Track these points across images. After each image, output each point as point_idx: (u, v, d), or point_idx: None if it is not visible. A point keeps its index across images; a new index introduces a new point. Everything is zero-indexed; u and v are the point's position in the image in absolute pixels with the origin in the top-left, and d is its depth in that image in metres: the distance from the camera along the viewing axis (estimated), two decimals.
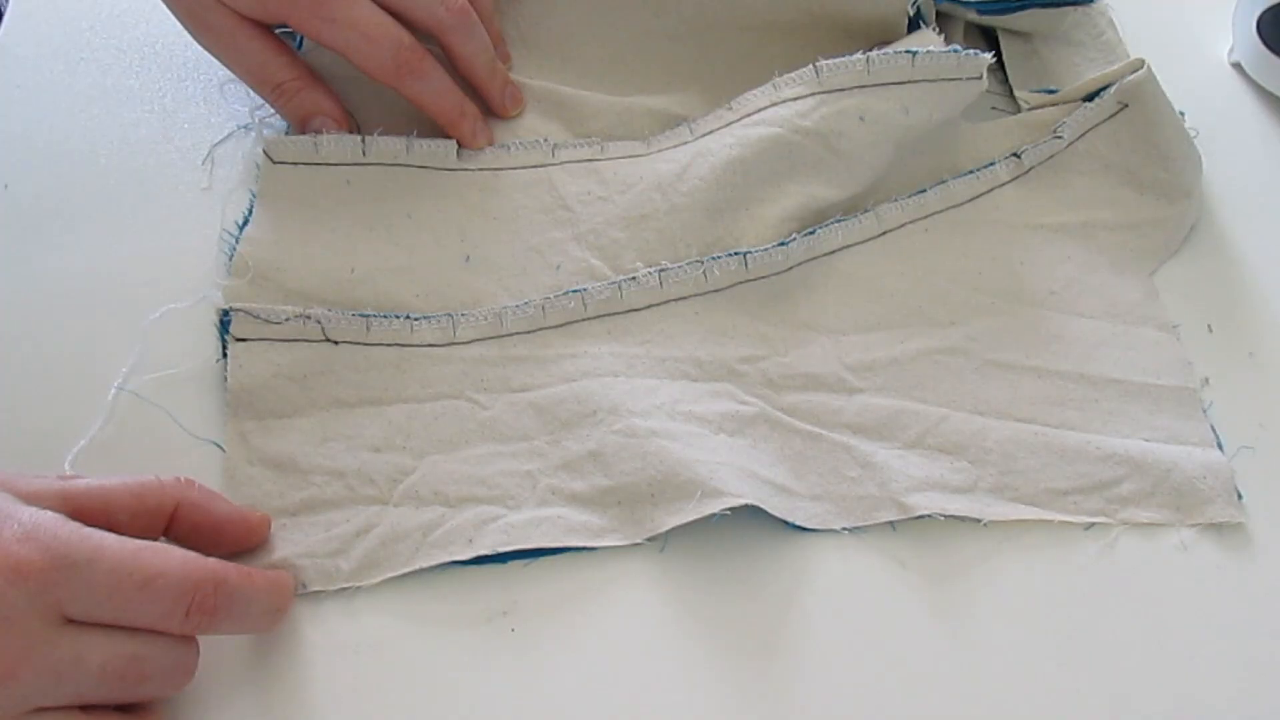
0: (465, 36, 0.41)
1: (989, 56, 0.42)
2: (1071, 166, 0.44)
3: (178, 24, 0.40)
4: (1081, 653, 0.35)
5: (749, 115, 0.41)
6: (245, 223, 0.40)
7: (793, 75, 0.41)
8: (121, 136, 0.43)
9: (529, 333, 0.38)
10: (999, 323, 0.41)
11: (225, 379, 0.36)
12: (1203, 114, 0.46)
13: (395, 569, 0.34)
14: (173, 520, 0.32)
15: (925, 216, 0.43)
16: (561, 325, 0.39)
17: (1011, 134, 0.45)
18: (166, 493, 0.32)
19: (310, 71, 0.41)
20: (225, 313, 0.37)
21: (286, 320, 0.37)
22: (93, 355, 0.37)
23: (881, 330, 0.40)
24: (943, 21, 0.47)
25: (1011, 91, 0.47)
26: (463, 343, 0.38)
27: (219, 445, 0.36)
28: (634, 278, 0.39)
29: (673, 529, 0.34)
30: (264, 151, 0.40)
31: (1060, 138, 0.44)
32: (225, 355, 0.37)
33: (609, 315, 0.39)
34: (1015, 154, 0.44)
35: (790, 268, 0.40)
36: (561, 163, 0.42)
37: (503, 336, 0.38)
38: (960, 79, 0.41)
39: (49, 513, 0.28)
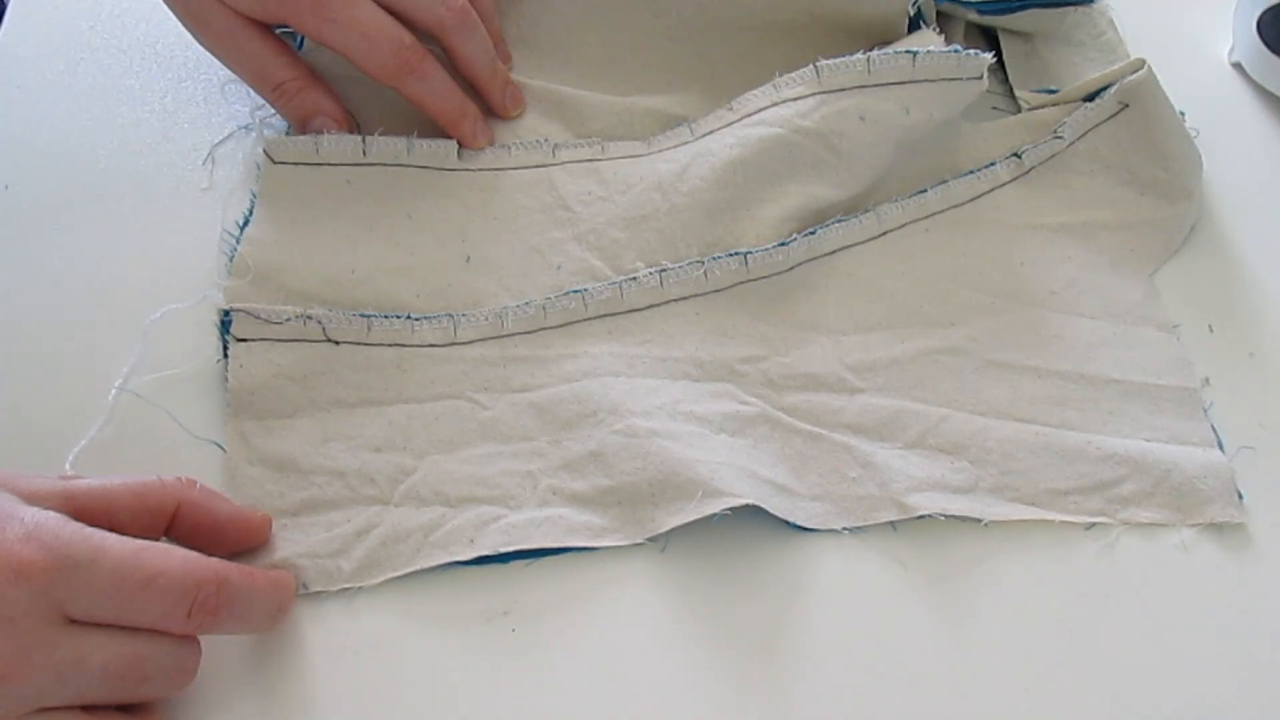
0: (466, 36, 0.41)
1: (989, 56, 0.42)
2: (1072, 167, 0.44)
3: (178, 24, 0.40)
4: (1082, 653, 0.35)
5: (749, 115, 0.41)
6: (246, 223, 0.40)
7: (793, 75, 0.41)
8: (121, 136, 0.43)
9: (530, 333, 0.38)
10: (999, 323, 0.41)
11: (226, 379, 0.36)
12: (1203, 114, 0.46)
13: (396, 569, 0.34)
14: (174, 520, 0.32)
15: (926, 216, 0.43)
16: (562, 325, 0.39)
17: (1012, 134, 0.45)
18: (168, 492, 0.32)
19: (311, 71, 0.41)
20: (226, 313, 0.37)
21: (287, 320, 0.37)
22: (93, 355, 0.37)
23: (882, 330, 0.40)
24: (943, 21, 0.47)
25: (1012, 91, 0.47)
26: (463, 343, 0.38)
27: (220, 445, 0.36)
28: (634, 278, 0.39)
29: (673, 529, 0.34)
30: (264, 152, 0.40)
31: (1061, 138, 0.44)
32: (226, 355, 0.37)
33: (610, 315, 0.39)
34: (1016, 154, 0.44)
35: (791, 268, 0.40)
36: (562, 163, 0.42)
37: (503, 337, 0.38)
38: (961, 79, 0.41)
39: (51, 513, 0.28)
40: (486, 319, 0.38)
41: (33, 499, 0.29)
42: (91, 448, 0.35)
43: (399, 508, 0.35)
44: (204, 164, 0.42)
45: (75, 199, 0.41)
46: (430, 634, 0.33)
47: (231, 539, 0.33)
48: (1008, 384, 0.40)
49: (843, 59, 0.40)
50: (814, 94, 0.40)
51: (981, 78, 0.42)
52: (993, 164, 0.44)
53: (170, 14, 0.40)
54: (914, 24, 0.45)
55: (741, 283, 0.40)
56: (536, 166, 0.42)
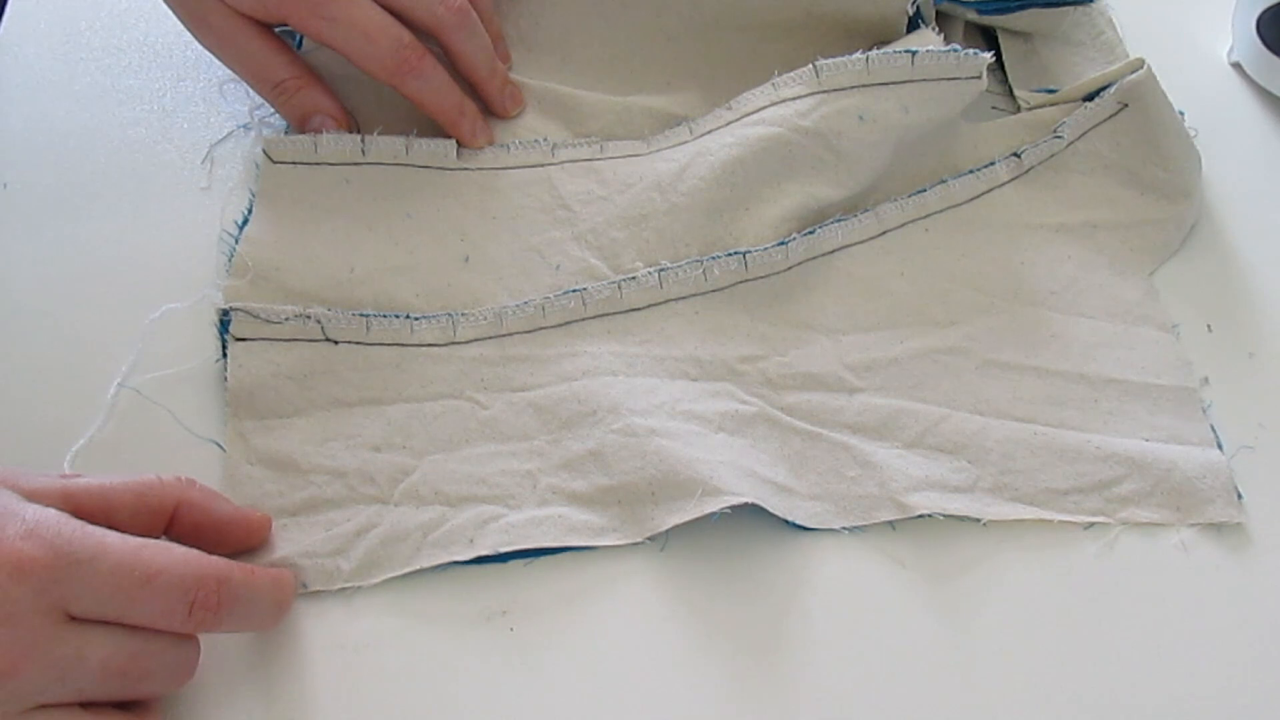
0: (465, 35, 0.41)
1: (988, 56, 0.42)
2: (1071, 166, 0.44)
3: (177, 23, 0.40)
4: (1081, 652, 0.35)
5: (748, 115, 0.41)
6: (244, 222, 0.40)
7: (792, 75, 0.41)
8: (121, 135, 0.43)
9: (529, 332, 0.38)
10: (999, 322, 0.41)
11: (225, 378, 0.36)
12: (1202, 114, 0.46)
13: (396, 569, 0.34)
14: (173, 520, 0.32)
15: (925, 216, 0.43)
16: (561, 325, 0.39)
17: (1011, 134, 0.45)
18: (167, 492, 0.32)
19: (310, 70, 0.41)
20: (225, 312, 0.37)
21: (286, 320, 0.37)
22: (92, 353, 0.37)
23: (881, 330, 0.40)
24: (942, 21, 0.47)
25: (1011, 91, 0.47)
26: (463, 342, 0.38)
27: (219, 444, 0.36)
28: (634, 277, 0.39)
29: (672, 528, 0.34)
30: (263, 151, 0.40)
31: (1060, 137, 0.44)
32: (225, 355, 0.37)
33: (609, 315, 0.39)
34: (1015, 154, 0.44)
35: (790, 267, 0.40)
36: (561, 162, 0.42)
37: (503, 336, 0.38)
38: (960, 78, 0.41)
39: (52, 510, 0.29)
40: (486, 318, 0.38)
41: (32, 496, 0.29)
42: (92, 446, 0.35)
43: (398, 507, 0.35)
44: (203, 163, 0.42)
45: (74, 197, 0.41)
46: (429, 633, 0.33)
47: (231, 539, 0.33)
48: (1007, 383, 0.40)
49: (842, 58, 0.40)
50: (813, 93, 0.40)
51: (980, 77, 0.42)
52: (992, 164, 0.44)
53: (169, 13, 0.40)
54: (913, 24, 0.45)
55: (741, 282, 0.40)
56: (535, 166, 0.42)
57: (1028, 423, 0.39)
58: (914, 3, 0.44)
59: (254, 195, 0.40)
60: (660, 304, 0.39)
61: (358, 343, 0.37)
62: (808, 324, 0.40)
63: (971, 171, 0.44)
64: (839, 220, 0.41)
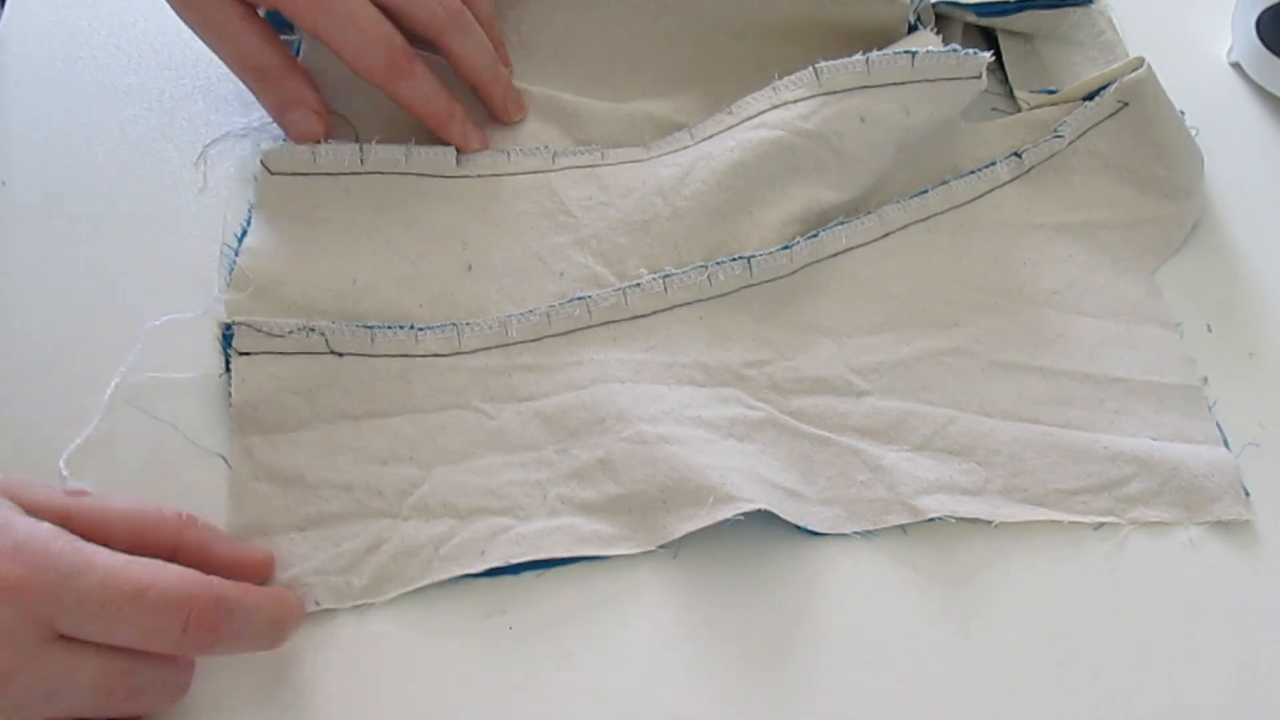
0: (463, 37, 0.40)
1: (988, 55, 0.42)
2: (1072, 165, 0.45)
3: (177, 21, 0.39)
4: (1094, 652, 0.35)
5: (749, 118, 0.41)
6: (244, 234, 0.39)
7: (793, 78, 0.41)
8: (120, 134, 0.42)
9: (534, 341, 0.38)
10: (1003, 323, 0.41)
11: (229, 391, 0.36)
12: (1202, 114, 0.46)
13: (407, 584, 0.33)
14: (171, 559, 0.30)
15: (928, 217, 0.43)
16: (567, 333, 0.38)
17: (1012, 133, 0.45)
18: (165, 528, 0.31)
19: (295, 61, 0.40)
20: (227, 326, 0.37)
21: (290, 333, 0.36)
22: (92, 355, 0.37)
23: (886, 332, 0.40)
24: (941, 23, 0.47)
25: (1011, 92, 0.47)
26: (468, 352, 0.38)
27: (224, 458, 0.35)
28: (638, 284, 0.39)
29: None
30: (262, 163, 0.40)
31: (1061, 137, 0.44)
32: (228, 369, 0.36)
33: (614, 322, 0.39)
34: (1016, 153, 0.44)
35: (794, 271, 0.40)
36: (561, 169, 0.42)
37: (508, 345, 0.38)
38: (960, 78, 0.41)
39: (45, 525, 0.28)
40: (491, 327, 0.38)
41: (31, 510, 0.29)
42: (94, 452, 0.35)
43: (408, 521, 0.34)
44: (195, 164, 0.41)
45: (73, 196, 0.41)
46: (429, 633, 0.33)
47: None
48: (1013, 384, 0.40)
49: (842, 60, 0.40)
50: (814, 96, 0.40)
51: (980, 77, 0.42)
52: (993, 163, 0.44)
53: (169, 12, 0.39)
54: (912, 29, 0.45)
55: (745, 287, 0.39)
56: (536, 172, 0.42)
57: (1035, 423, 0.39)
58: (915, 11, 0.44)
59: (253, 207, 0.40)
60: (665, 310, 0.39)
61: (362, 355, 0.37)
62: (813, 327, 0.40)
63: (973, 172, 0.44)
64: (842, 223, 0.41)
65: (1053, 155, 0.44)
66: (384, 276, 0.39)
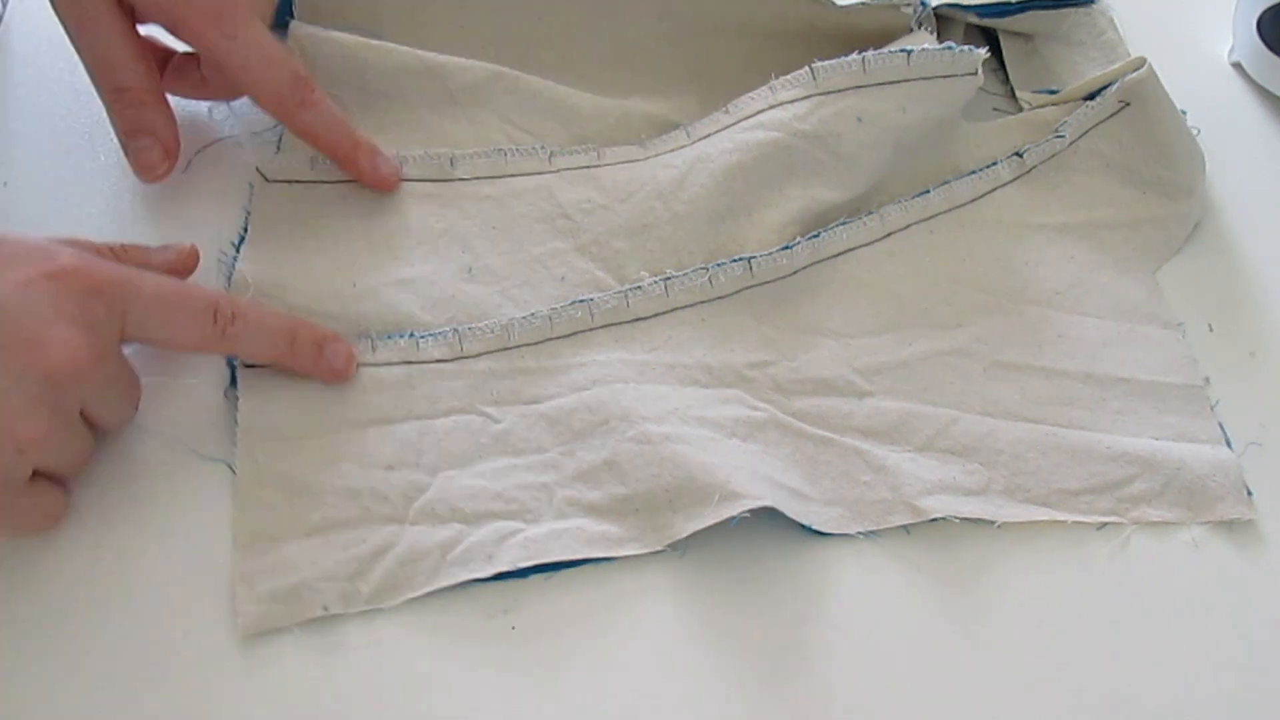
0: (311, 113, 0.39)
1: (983, 52, 0.42)
2: (1073, 165, 0.45)
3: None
4: (1098, 652, 0.35)
5: (746, 119, 0.41)
6: (242, 240, 0.39)
7: (789, 78, 0.41)
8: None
9: (537, 344, 0.38)
10: (1005, 323, 0.41)
11: (236, 401, 0.36)
12: (1203, 114, 0.46)
13: (416, 589, 0.33)
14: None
15: (929, 218, 0.43)
16: (569, 335, 0.38)
17: (1013, 133, 0.45)
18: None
19: (159, 89, 0.39)
20: None
21: None
22: None
23: (889, 333, 0.40)
24: (943, 24, 0.47)
25: (1013, 92, 0.47)
26: (470, 356, 0.38)
27: (230, 466, 0.35)
28: (640, 287, 0.39)
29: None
30: (258, 170, 0.40)
31: (1062, 137, 0.44)
32: (234, 379, 0.36)
33: (616, 324, 0.39)
34: (1017, 153, 0.44)
35: (795, 272, 0.40)
36: (559, 170, 0.42)
37: (510, 349, 0.38)
38: (956, 75, 0.41)
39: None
40: (493, 331, 0.38)
41: None
42: (97, 457, 0.35)
43: (415, 526, 0.34)
44: (184, 170, 0.41)
45: (75, 196, 0.41)
46: (435, 637, 0.33)
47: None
48: (1016, 384, 0.40)
49: (838, 60, 0.40)
50: (810, 95, 0.40)
51: (976, 73, 0.42)
52: (994, 163, 0.44)
53: None
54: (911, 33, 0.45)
55: (747, 288, 0.40)
56: (533, 174, 0.42)
57: (1037, 424, 0.39)
58: (917, 19, 0.44)
59: (249, 215, 0.40)
60: (667, 312, 0.39)
61: (364, 364, 0.37)
62: (815, 328, 0.40)
63: (974, 172, 0.44)
64: (843, 223, 0.41)
65: (1054, 155, 0.45)
66: (384, 279, 0.39)
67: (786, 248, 0.39)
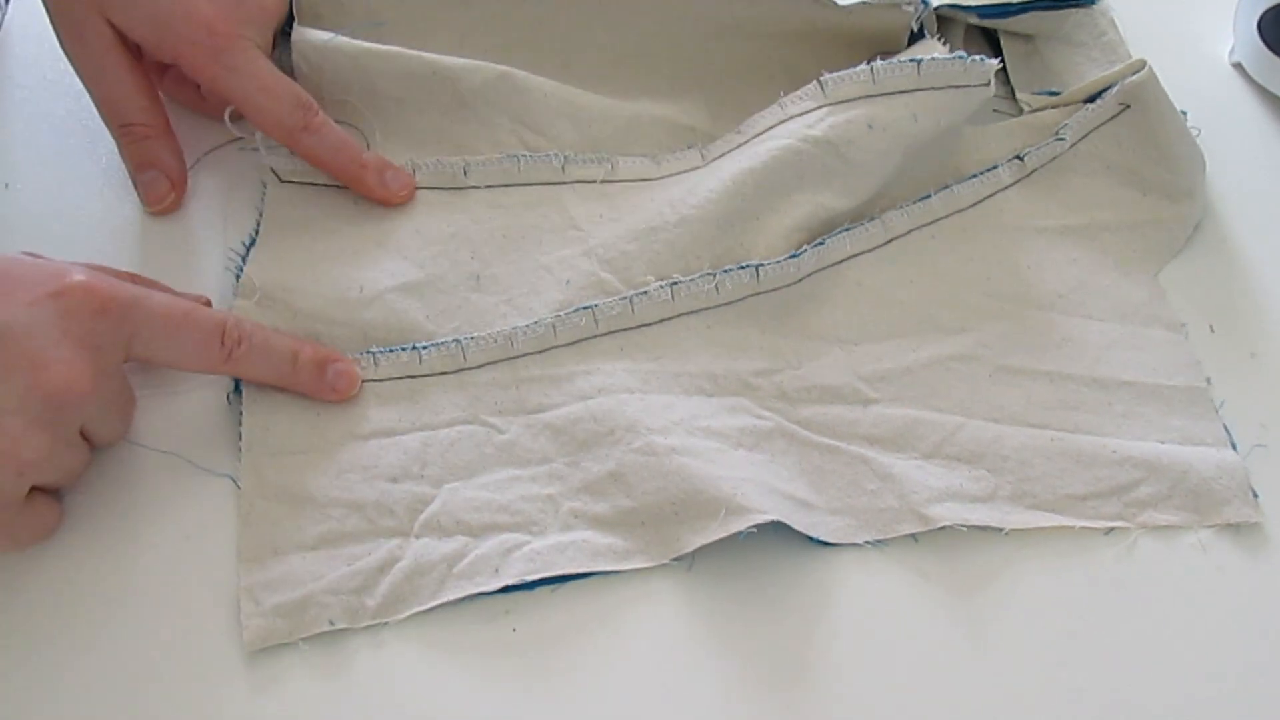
0: (315, 139, 0.39)
1: (995, 63, 0.41)
2: (1074, 168, 0.45)
3: None
4: (1105, 657, 0.35)
5: (758, 135, 0.41)
6: (252, 242, 0.39)
7: (798, 93, 0.41)
8: None
9: (540, 352, 0.38)
10: (1009, 327, 0.41)
11: (239, 411, 0.36)
12: (1204, 114, 0.46)
13: (422, 603, 0.33)
14: None
15: (931, 222, 0.43)
16: (573, 343, 0.38)
17: (1014, 136, 0.45)
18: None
19: (165, 121, 0.40)
20: None
21: None
22: None
23: (893, 339, 0.40)
24: (943, 25, 0.47)
25: (1013, 93, 0.47)
26: (473, 367, 0.38)
27: (233, 478, 0.35)
28: (645, 292, 0.39)
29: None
30: (271, 169, 0.40)
31: (1062, 139, 0.44)
32: (238, 390, 0.36)
33: (621, 331, 0.39)
34: (1018, 156, 0.44)
35: (800, 279, 0.40)
36: (571, 182, 0.42)
37: (514, 358, 0.38)
38: (968, 85, 0.41)
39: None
40: (496, 341, 0.38)
41: None
42: (99, 467, 0.34)
43: (420, 539, 0.34)
44: (190, 169, 0.41)
45: (76, 198, 0.41)
46: (436, 648, 0.33)
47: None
48: (1021, 389, 0.40)
49: (847, 71, 0.40)
50: (821, 106, 0.40)
51: (988, 84, 0.41)
52: (995, 166, 0.44)
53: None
54: (916, 35, 0.45)
55: (752, 295, 0.39)
56: (546, 184, 0.41)
57: (1043, 428, 0.39)
58: (918, 18, 0.44)
59: (261, 214, 0.40)
60: (672, 318, 0.39)
61: (367, 379, 0.37)
62: (820, 335, 0.40)
63: (975, 175, 0.44)
64: (846, 229, 0.41)
65: (1055, 158, 0.44)
66: (391, 283, 0.39)
67: (793, 256, 0.39)
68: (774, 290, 0.39)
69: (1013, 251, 0.43)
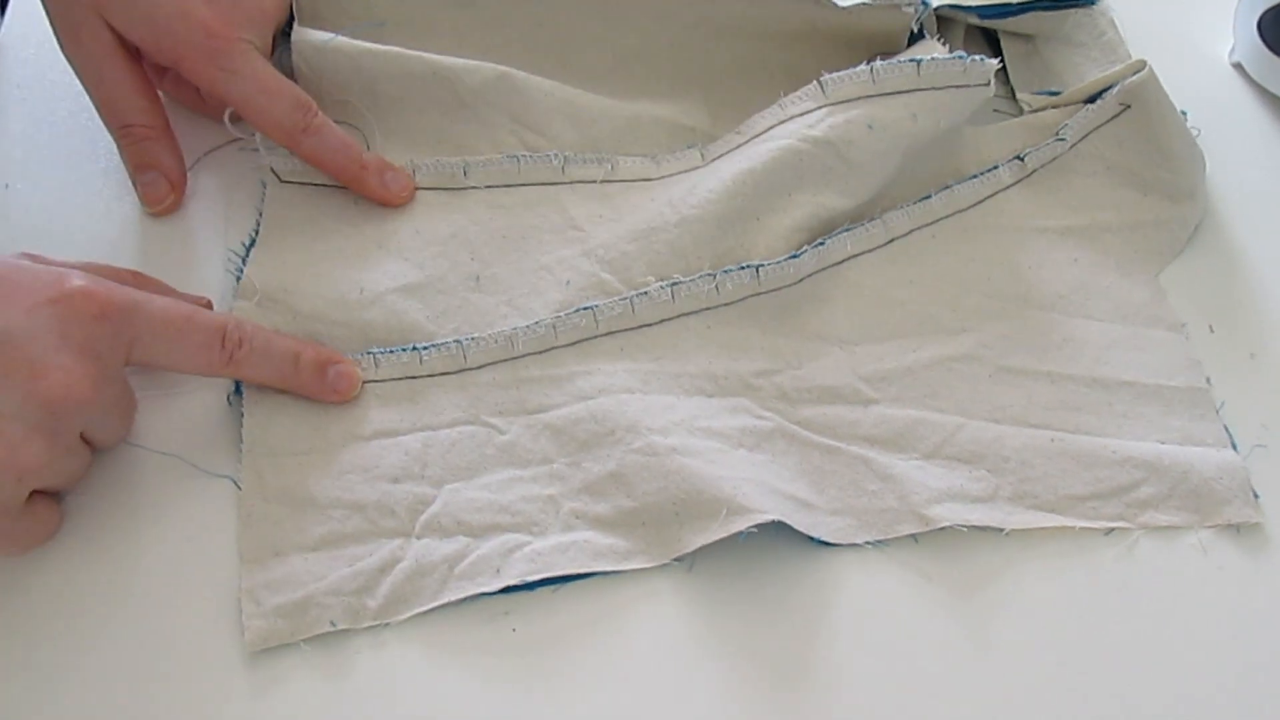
0: (315, 141, 0.39)
1: (995, 63, 0.41)
2: (1075, 168, 0.45)
3: None
4: (1106, 658, 0.35)
5: (758, 135, 0.41)
6: (252, 243, 0.39)
7: (798, 93, 0.41)
8: None
9: (541, 353, 0.38)
10: (1010, 328, 0.41)
11: (240, 412, 0.36)
12: (1204, 114, 0.46)
13: (423, 604, 0.33)
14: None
15: (932, 223, 0.43)
16: (573, 344, 0.38)
17: (1014, 136, 0.45)
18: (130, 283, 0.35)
19: (164, 122, 0.40)
20: None
21: None
22: None
23: (894, 339, 0.40)
24: (943, 25, 0.47)
25: (1013, 93, 0.47)
26: (474, 368, 0.38)
27: (234, 480, 0.35)
28: (645, 292, 0.39)
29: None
30: (271, 170, 0.40)
31: (1063, 140, 0.44)
32: (238, 388, 0.36)
33: (621, 331, 0.39)
34: (1018, 157, 0.44)
35: (800, 280, 0.40)
36: (571, 182, 0.42)
37: (515, 359, 0.38)
38: (968, 85, 0.41)
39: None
40: (496, 341, 0.38)
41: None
42: (99, 469, 0.34)
43: (421, 539, 0.34)
44: (190, 169, 0.41)
45: (75, 198, 0.41)
46: (435, 648, 0.33)
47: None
48: (1021, 390, 0.40)
49: (846, 72, 0.40)
50: (821, 107, 0.40)
51: (988, 84, 0.41)
52: (995, 167, 0.44)
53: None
54: (916, 35, 0.45)
55: (752, 295, 0.39)
56: (546, 184, 0.41)
57: (1044, 429, 0.39)
58: (918, 19, 0.44)
59: (261, 215, 0.40)
60: (673, 319, 0.39)
61: (368, 380, 0.37)
62: (820, 336, 0.40)
63: (975, 175, 0.44)
64: (847, 230, 0.41)
65: (1055, 158, 0.44)
66: (392, 285, 0.39)
67: (794, 256, 0.39)
68: (774, 290, 0.39)
69: (1013, 252, 0.43)
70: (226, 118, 0.41)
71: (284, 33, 0.42)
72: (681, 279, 0.39)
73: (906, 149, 0.41)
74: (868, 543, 0.36)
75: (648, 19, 0.45)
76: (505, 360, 0.38)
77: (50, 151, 0.42)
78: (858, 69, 0.40)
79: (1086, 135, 0.44)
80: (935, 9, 0.45)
